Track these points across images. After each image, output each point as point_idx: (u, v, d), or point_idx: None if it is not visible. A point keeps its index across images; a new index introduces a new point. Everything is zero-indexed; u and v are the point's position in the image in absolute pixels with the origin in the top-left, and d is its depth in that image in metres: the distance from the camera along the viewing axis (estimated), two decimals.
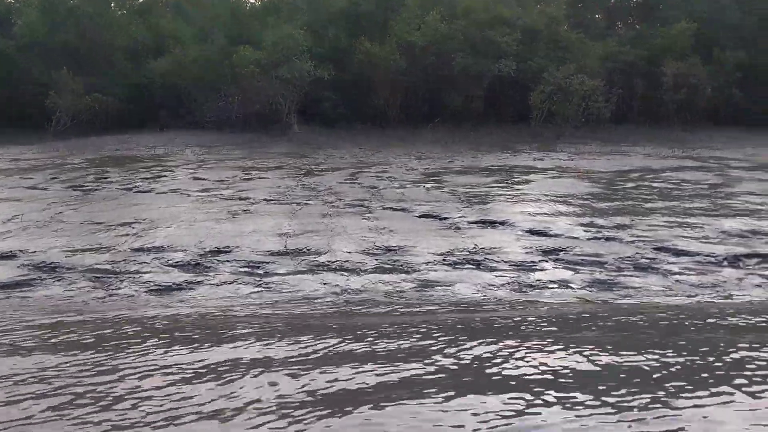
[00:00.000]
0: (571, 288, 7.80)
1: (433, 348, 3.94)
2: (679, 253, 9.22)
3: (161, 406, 3.03)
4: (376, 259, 8.83)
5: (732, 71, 28.18)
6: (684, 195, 13.23)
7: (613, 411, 2.82)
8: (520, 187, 14.27)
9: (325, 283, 7.77)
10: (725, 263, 8.94)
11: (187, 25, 33.05)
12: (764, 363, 3.57)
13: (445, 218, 11.33)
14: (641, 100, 28.81)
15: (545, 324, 4.68)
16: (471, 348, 3.89)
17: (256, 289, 7.58)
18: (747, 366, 3.49)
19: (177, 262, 8.68)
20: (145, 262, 8.60)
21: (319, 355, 3.93)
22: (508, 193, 13.59)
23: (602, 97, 26.87)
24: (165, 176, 15.67)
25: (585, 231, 10.33)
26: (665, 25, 29.50)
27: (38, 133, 26.67)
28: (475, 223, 11.01)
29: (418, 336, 4.23)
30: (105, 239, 9.80)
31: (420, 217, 11.51)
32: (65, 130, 27.53)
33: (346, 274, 8.23)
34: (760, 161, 18.29)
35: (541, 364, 3.52)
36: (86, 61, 30.07)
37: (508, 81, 28.25)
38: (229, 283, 7.81)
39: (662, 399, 2.96)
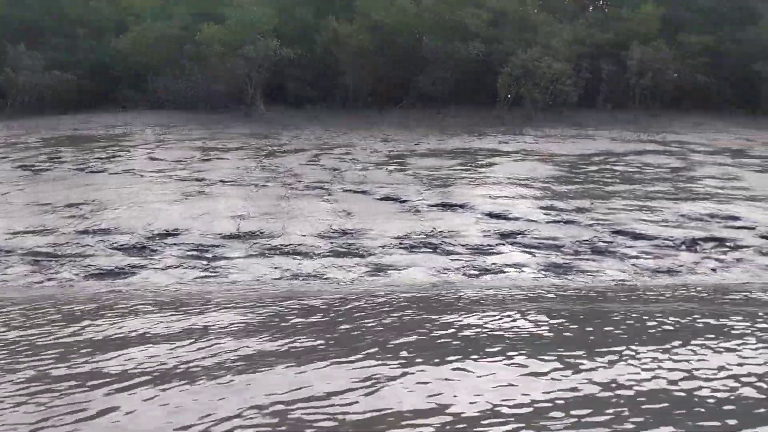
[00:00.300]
0: (526, 272, 7.69)
1: (342, 324, 3.84)
2: (637, 236, 9.17)
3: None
4: (331, 243, 8.62)
5: (697, 56, 28.29)
6: (645, 179, 13.22)
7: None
8: (483, 170, 14.14)
9: (275, 268, 7.55)
10: (683, 247, 8.91)
11: (151, 1, 32.11)
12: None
13: (405, 201, 11.15)
14: (608, 84, 28.82)
15: (474, 303, 4.54)
16: (375, 324, 3.84)
17: (202, 274, 7.32)
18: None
19: (122, 245, 8.37)
20: (88, 245, 8.26)
21: (235, 329, 3.81)
22: (471, 176, 13.44)
23: (570, 81, 26.81)
24: (120, 156, 15.21)
25: (544, 214, 10.23)
26: (633, 8, 29.50)
27: None
28: (436, 206, 10.85)
29: (333, 314, 4.10)
30: (50, 221, 9.42)
31: (380, 199, 11.31)
32: (22, 109, 26.64)
33: (298, 257, 8.01)
34: (722, 146, 18.42)
35: (455, 332, 3.49)
36: (45, 37, 29.11)
37: (477, 63, 28.04)
38: (175, 267, 7.54)
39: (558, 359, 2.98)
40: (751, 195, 11.77)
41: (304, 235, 8.84)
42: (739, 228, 9.67)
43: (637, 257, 8.25)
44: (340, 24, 27.25)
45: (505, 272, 7.71)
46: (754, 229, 9.66)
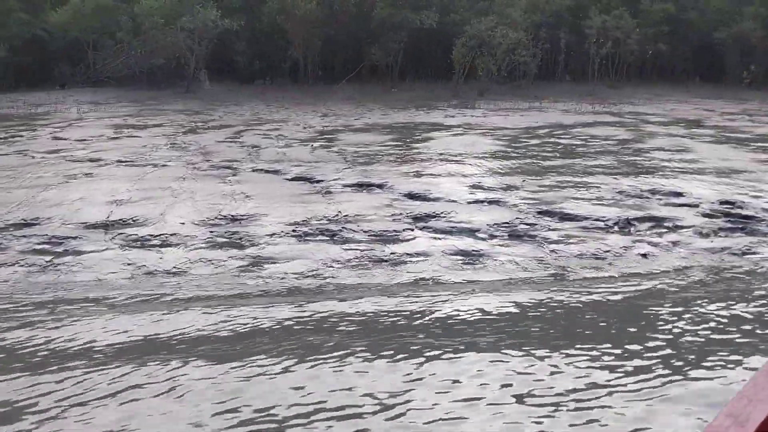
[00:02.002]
0: (427, 262, 6.62)
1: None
2: (564, 217, 8.14)
3: None
4: (212, 231, 7.45)
5: (659, 24, 27.33)
6: (588, 152, 12.21)
7: None
8: (417, 146, 13.02)
9: (128, 264, 6.37)
10: (615, 228, 7.91)
11: None
12: None
13: (318, 181, 10.00)
14: (567, 55, 27.81)
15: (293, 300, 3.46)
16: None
17: (37, 272, 6.13)
18: None
19: None
20: None
21: None
22: (401, 152, 12.32)
23: (527, 52, 25.70)
24: (21, 137, 13.81)
25: (469, 193, 9.16)
26: None
27: None
28: (351, 186, 9.71)
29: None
30: None
31: (291, 179, 10.14)
32: None
33: (163, 250, 6.84)
34: (678, 116, 17.51)
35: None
36: None
37: (430, 34, 26.83)
38: (9, 266, 6.33)
39: None
40: (699, 168, 10.83)
41: (183, 223, 7.67)
42: (680, 205, 8.71)
43: (558, 242, 7.21)
44: None
45: (404, 263, 6.64)
46: (697, 206, 8.69)
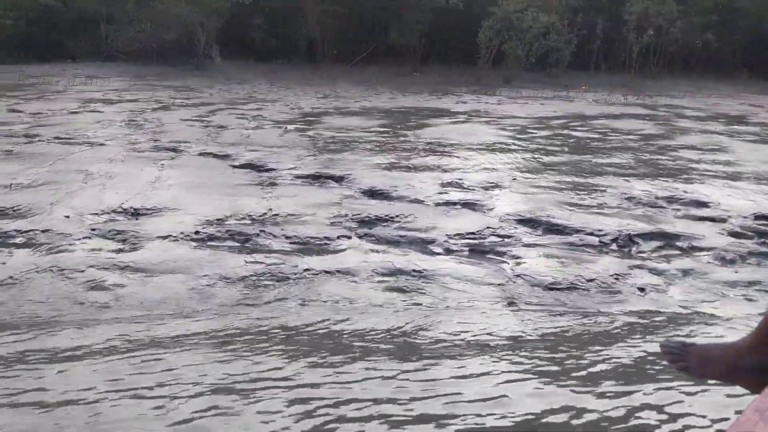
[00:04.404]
0: (349, 285, 5.00)
1: None
2: (551, 228, 6.43)
3: None
4: (96, 229, 5.96)
5: (707, 13, 24.94)
6: (603, 147, 10.34)
7: None
8: (406, 133, 11.33)
9: None
10: (613, 246, 6.17)
11: None
12: None
13: (269, 169, 8.44)
14: (604, 42, 25.61)
15: None
16: None
17: None
18: None
19: None
20: None
21: None
22: (384, 140, 10.67)
23: (560, 37, 23.64)
24: None
25: (440, 193, 7.50)
26: None
27: None
28: (305, 177, 8.14)
29: None
30: None
31: (238, 166, 8.60)
32: None
33: (17, 252, 5.38)
34: (719, 111, 15.39)
35: None
36: None
37: (456, 15, 24.97)
38: None
39: None
40: (734, 172, 8.93)
41: (68, 216, 6.21)
42: (703, 219, 6.91)
43: (530, 264, 5.51)
44: None
45: (313, 281, 5.05)
46: (724, 221, 6.88)
